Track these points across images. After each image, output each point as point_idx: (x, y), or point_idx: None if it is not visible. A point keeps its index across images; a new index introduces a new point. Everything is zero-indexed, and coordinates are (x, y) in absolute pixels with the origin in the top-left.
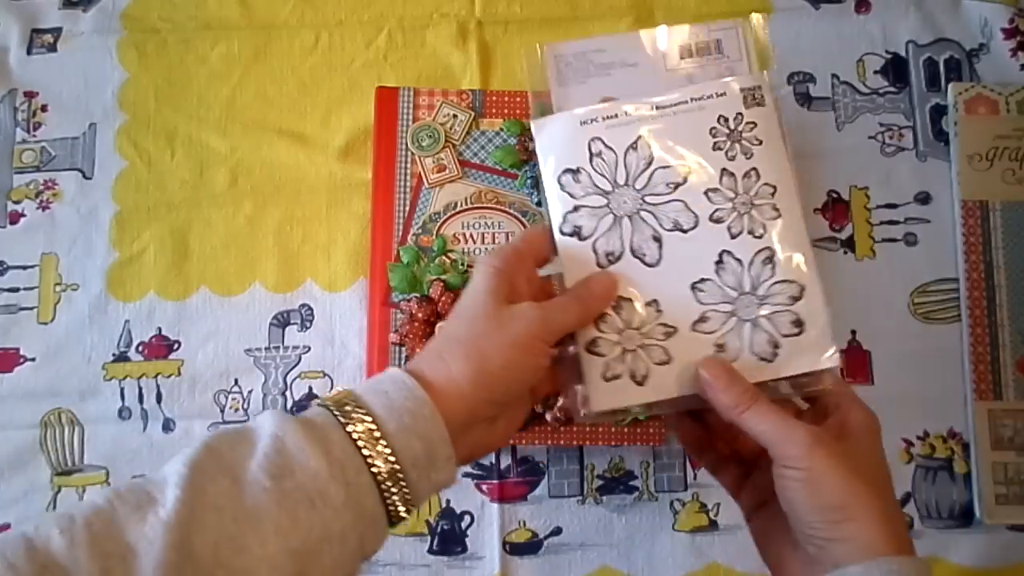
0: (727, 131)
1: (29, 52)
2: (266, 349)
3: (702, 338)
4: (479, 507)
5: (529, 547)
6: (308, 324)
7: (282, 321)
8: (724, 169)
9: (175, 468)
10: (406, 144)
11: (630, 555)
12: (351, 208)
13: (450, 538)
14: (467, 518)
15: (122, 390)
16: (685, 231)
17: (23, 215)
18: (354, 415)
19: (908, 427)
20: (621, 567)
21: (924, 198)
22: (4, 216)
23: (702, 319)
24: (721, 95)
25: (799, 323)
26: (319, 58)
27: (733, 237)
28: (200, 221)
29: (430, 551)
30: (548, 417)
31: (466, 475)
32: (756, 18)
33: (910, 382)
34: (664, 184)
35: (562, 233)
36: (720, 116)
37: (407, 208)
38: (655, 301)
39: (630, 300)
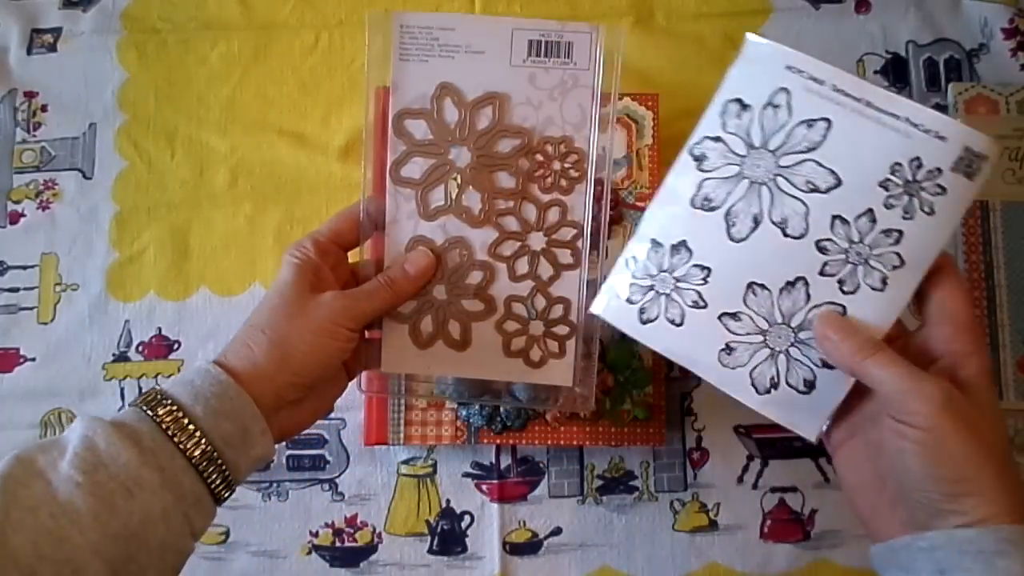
0: (908, 178)
1: (29, 52)
2: None
3: (719, 329)
4: (479, 507)
5: (529, 547)
6: None
7: None
8: (871, 210)
9: None
10: None
11: (630, 555)
12: None
13: (450, 538)
14: (467, 518)
15: (122, 390)
16: (786, 235)
17: (23, 215)
18: (160, 407)
19: None
20: (621, 567)
21: None
22: (4, 216)
23: (734, 316)
24: (940, 138)
25: (811, 385)
26: (319, 58)
27: (822, 274)
28: (200, 221)
29: (430, 551)
30: (548, 417)
31: (466, 475)
32: (613, 29)
33: None
34: (804, 180)
35: (691, 154)
36: (916, 157)
37: None
38: (708, 269)
39: (690, 251)
